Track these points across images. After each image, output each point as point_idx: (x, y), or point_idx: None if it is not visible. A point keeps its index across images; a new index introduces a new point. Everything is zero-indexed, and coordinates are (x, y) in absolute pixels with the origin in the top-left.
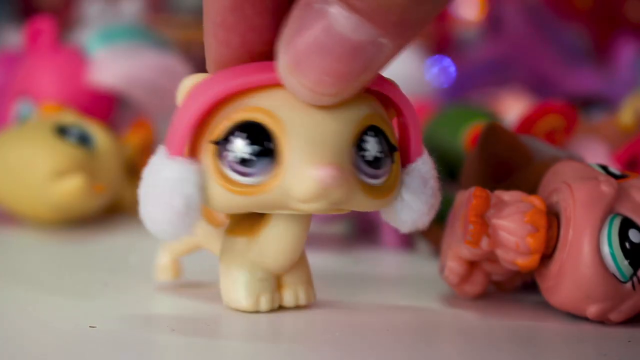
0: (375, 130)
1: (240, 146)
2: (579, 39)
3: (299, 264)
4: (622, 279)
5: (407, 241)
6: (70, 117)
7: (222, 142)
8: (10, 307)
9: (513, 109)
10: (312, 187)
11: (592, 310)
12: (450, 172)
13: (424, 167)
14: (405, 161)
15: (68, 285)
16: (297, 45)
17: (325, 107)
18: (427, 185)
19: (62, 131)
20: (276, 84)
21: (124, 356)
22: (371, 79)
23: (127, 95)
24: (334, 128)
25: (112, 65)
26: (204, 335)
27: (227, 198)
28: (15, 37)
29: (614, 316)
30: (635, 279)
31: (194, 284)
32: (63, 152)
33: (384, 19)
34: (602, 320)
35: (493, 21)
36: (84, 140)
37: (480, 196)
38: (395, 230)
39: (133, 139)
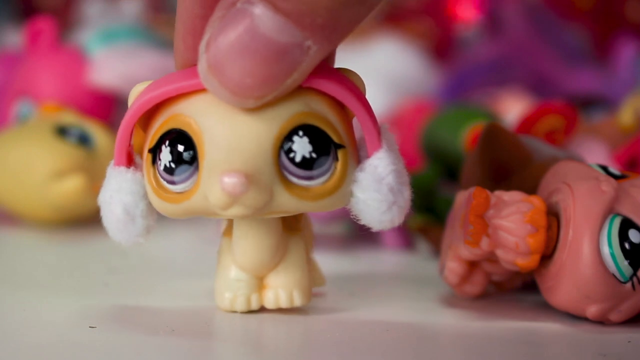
0: (306, 129)
1: (165, 154)
2: (579, 39)
3: (287, 266)
4: (622, 279)
5: (407, 241)
6: (70, 117)
7: (155, 150)
8: (10, 307)
9: (513, 109)
10: (221, 195)
11: (592, 310)
12: (450, 172)
13: (379, 162)
14: (360, 158)
15: (68, 285)
16: (218, 45)
17: (248, 110)
18: (382, 182)
19: (62, 131)
20: (202, 90)
21: (123, 357)
22: (298, 82)
23: (127, 95)
24: (252, 132)
25: (112, 65)
26: (204, 335)
27: (162, 205)
28: (15, 37)
29: (613, 316)
30: (635, 279)
31: (194, 284)
32: (63, 152)
33: (310, 21)
34: (601, 321)
35: (493, 21)
36: (84, 140)
37: (480, 196)
38: (396, 230)
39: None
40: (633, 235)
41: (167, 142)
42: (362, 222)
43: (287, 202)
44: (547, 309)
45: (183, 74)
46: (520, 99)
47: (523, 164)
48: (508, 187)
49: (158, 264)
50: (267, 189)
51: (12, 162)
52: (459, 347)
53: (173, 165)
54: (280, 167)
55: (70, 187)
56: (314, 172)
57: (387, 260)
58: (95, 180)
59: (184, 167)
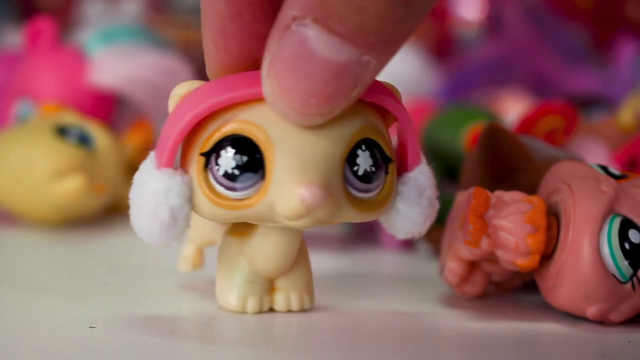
0: (367, 144)
1: (227, 160)
2: (579, 39)
3: (297, 269)
4: (621, 280)
5: (407, 242)
6: (70, 117)
7: (211, 155)
8: (10, 308)
9: (513, 109)
10: (297, 206)
11: (591, 310)
12: (450, 172)
13: (421, 176)
14: (403, 170)
15: (68, 285)
16: (279, 69)
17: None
18: (423, 195)
19: (62, 131)
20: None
21: (123, 357)
22: (359, 95)
23: (127, 95)
24: (323, 146)
25: (112, 65)
26: (204, 336)
27: (214, 210)
28: (15, 37)
29: (613, 316)
30: (635, 279)
31: (193, 284)
32: (63, 152)
33: (364, 40)
34: (601, 321)
35: (493, 21)
36: (84, 140)
37: (480, 196)
38: None
39: (133, 139)
40: (633, 235)
41: (228, 148)
42: (391, 232)
43: (347, 215)
44: (547, 309)
45: (244, 79)
46: (520, 99)
47: (523, 164)
48: (508, 187)
49: (158, 264)
50: (337, 203)
51: (12, 162)
52: (459, 347)
53: (237, 172)
54: (344, 180)
55: (70, 187)
56: (371, 186)
57: (387, 260)
58: (95, 181)
59: (249, 174)
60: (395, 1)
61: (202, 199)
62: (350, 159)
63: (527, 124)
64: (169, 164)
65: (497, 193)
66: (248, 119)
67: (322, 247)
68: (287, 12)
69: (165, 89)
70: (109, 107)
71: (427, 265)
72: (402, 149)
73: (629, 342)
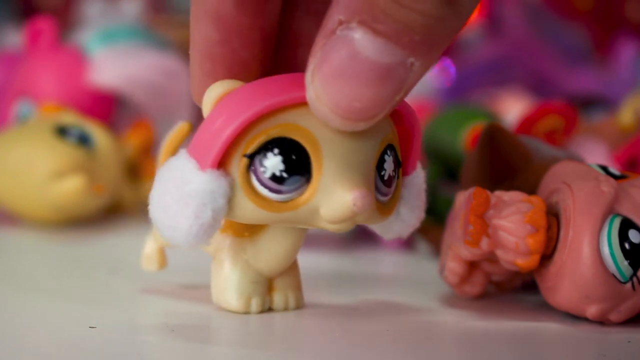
0: (391, 149)
1: (274, 162)
2: (579, 39)
3: (291, 268)
4: (621, 280)
5: (407, 241)
6: (70, 117)
7: (255, 156)
8: (11, 308)
9: (513, 109)
10: (347, 210)
11: (591, 310)
12: (450, 172)
13: (419, 179)
14: (404, 173)
15: (68, 285)
16: (324, 74)
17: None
18: (419, 198)
19: (62, 131)
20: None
21: (123, 356)
22: (403, 98)
23: (127, 95)
24: (365, 151)
25: (112, 65)
26: (203, 336)
27: (254, 212)
28: (15, 37)
29: (613, 316)
30: (635, 279)
31: (191, 283)
32: (63, 152)
33: (409, 39)
34: (601, 321)
35: (493, 22)
36: (84, 140)
37: (480, 196)
38: None
39: (133, 139)
40: (633, 235)
41: (276, 150)
42: (381, 233)
43: (373, 218)
44: (547, 309)
45: (289, 82)
46: (520, 99)
47: (523, 164)
48: (508, 188)
49: None
50: (375, 206)
51: (12, 162)
52: (459, 347)
53: (285, 175)
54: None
55: (70, 187)
56: (390, 189)
57: (387, 260)
58: (95, 181)
59: (296, 177)
60: (441, 0)
61: (244, 201)
62: (379, 164)
63: (527, 124)
64: (214, 166)
65: (497, 193)
66: (295, 122)
67: (322, 247)
68: (333, 17)
69: (165, 89)
70: (108, 107)
71: (426, 265)
72: (405, 153)
73: (629, 342)
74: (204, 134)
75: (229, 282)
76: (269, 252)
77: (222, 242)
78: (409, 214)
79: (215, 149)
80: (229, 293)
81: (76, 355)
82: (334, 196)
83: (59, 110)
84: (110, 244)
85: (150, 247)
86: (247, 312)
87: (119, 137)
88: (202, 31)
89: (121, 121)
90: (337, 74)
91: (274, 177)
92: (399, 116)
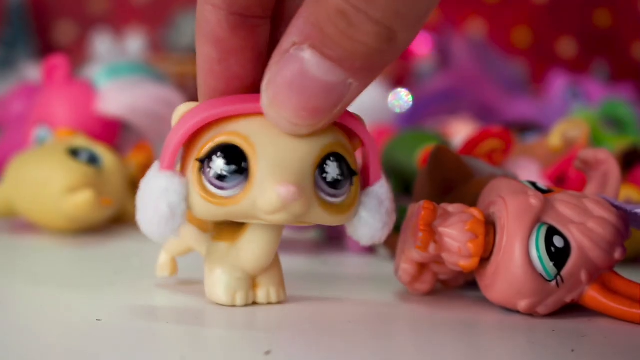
0: (336, 157)
1: (218, 164)
2: (517, 73)
3: (273, 266)
4: (548, 278)
5: (368, 247)
6: (81, 141)
7: (205, 160)
8: (30, 302)
9: (460, 133)
10: (274, 201)
11: (522, 304)
12: (406, 187)
13: (380, 190)
14: (365, 184)
15: (79, 284)
16: (277, 85)
17: (295, 136)
18: (382, 205)
19: (74, 153)
20: (253, 113)
21: (125, 345)
22: (341, 113)
23: (130, 121)
24: (299, 153)
25: (117, 96)
26: (192, 327)
27: (206, 207)
28: (34, 72)
29: (540, 309)
30: (559, 278)
31: (186, 282)
32: (75, 170)
33: (350, 64)
34: (531, 313)
35: (443, 57)
36: (93, 160)
37: (429, 208)
38: None
39: (135, 159)
40: (557, 240)
41: (219, 154)
42: (355, 237)
43: (317, 215)
44: (486, 303)
45: (234, 99)
46: (467, 124)
47: (465, 180)
48: (452, 200)
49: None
50: (309, 201)
51: (32, 178)
52: (411, 336)
53: (226, 174)
54: (315, 185)
55: (81, 200)
56: (338, 192)
57: (351, 262)
58: (102, 195)
59: (236, 176)
60: (381, 36)
61: (197, 197)
62: (321, 167)
63: (470, 146)
64: (170, 167)
65: (443, 205)
66: (237, 130)
67: (297, 251)
68: (288, 39)
69: (163, 117)
70: (114, 132)
71: (384, 266)
72: (365, 167)
73: (553, 331)
74: (165, 142)
75: (217, 280)
76: (250, 252)
77: (211, 247)
78: (372, 218)
79: (169, 152)
80: (217, 289)
81: (84, 344)
82: (265, 190)
83: (71, 135)
84: (115, 248)
85: (163, 257)
86: (233, 305)
87: (123, 158)
88: (204, 52)
89: (125, 144)
90: (287, 86)
91: (218, 177)
92: (355, 135)
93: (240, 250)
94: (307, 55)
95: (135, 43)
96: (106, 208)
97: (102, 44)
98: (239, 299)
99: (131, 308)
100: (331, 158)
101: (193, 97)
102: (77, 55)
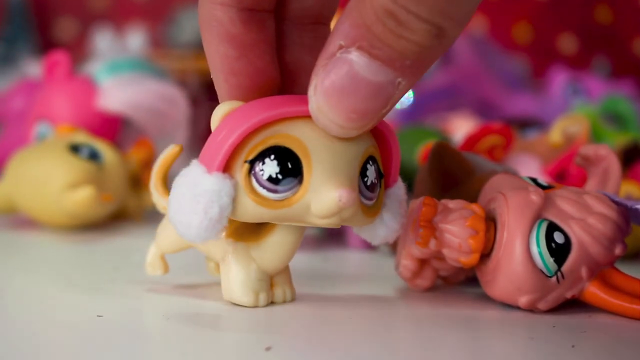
0: (372, 160)
1: (270, 166)
2: (518, 69)
3: (287, 266)
4: (548, 274)
5: (369, 243)
6: (82, 137)
7: (255, 162)
8: (30, 298)
9: (461, 129)
10: (333, 206)
11: (523, 300)
12: (407, 183)
13: (399, 191)
14: (386, 185)
15: (79, 280)
16: (326, 89)
17: (342, 139)
18: (401, 207)
19: (75, 149)
20: (303, 116)
21: (125, 340)
22: (389, 112)
23: (131, 118)
24: (349, 157)
25: (118, 92)
26: (191, 323)
27: (255, 210)
28: (35, 69)
29: (541, 305)
30: (559, 274)
31: (185, 280)
32: (76, 167)
33: (400, 63)
34: (531, 309)
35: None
36: (93, 156)
37: (429, 204)
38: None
39: (136, 155)
40: (557, 236)
41: (272, 156)
42: (368, 238)
43: (359, 217)
44: (486, 299)
45: (283, 100)
46: (468, 120)
47: (466, 177)
48: (453, 196)
49: None
50: (358, 205)
51: (32, 175)
52: (412, 331)
53: (280, 177)
54: (359, 189)
55: (82, 196)
56: (373, 195)
57: (352, 258)
58: (103, 191)
59: (290, 179)
60: (431, 32)
61: (246, 200)
62: (363, 171)
63: (471, 142)
64: (220, 169)
65: (444, 201)
66: (288, 132)
67: (299, 248)
68: (334, 42)
69: (164, 112)
70: (115, 128)
71: (385, 262)
72: (387, 168)
73: (553, 326)
74: (211, 144)
75: (238, 282)
76: (273, 252)
77: (228, 247)
78: (392, 220)
79: (220, 155)
80: (239, 291)
81: (85, 340)
82: (322, 194)
83: (72, 131)
84: (116, 244)
85: (153, 254)
86: (256, 306)
87: (124, 154)
88: (219, 52)
89: (126, 140)
90: (337, 90)
91: (270, 179)
92: (382, 136)
93: (266, 251)
94: (355, 57)
95: (135, 39)
96: (107, 204)
97: (102, 40)
98: (262, 300)
99: (132, 304)
100: (370, 162)
101: (194, 94)
102: (78, 51)
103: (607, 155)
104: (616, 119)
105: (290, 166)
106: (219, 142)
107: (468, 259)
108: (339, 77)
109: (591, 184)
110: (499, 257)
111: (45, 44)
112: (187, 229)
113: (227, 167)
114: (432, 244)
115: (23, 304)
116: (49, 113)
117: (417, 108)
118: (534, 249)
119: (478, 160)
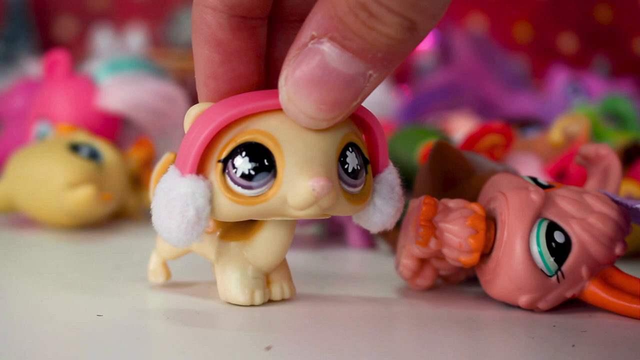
0: (352, 146)
1: (243, 163)
2: (519, 68)
3: (282, 262)
4: (548, 274)
5: (369, 242)
6: (81, 136)
7: (227, 161)
8: (31, 297)
9: (461, 128)
10: (307, 195)
11: (523, 300)
12: (407, 182)
13: (390, 175)
14: (375, 172)
15: (79, 279)
16: (296, 79)
17: (315, 129)
18: (394, 191)
19: (74, 148)
20: (272, 109)
21: (125, 340)
22: (359, 104)
23: (131, 117)
24: (323, 146)
25: (118, 91)
26: (192, 322)
27: (232, 208)
28: (35, 68)
29: (541, 305)
30: (559, 273)
31: (185, 279)
32: (76, 166)
33: (372, 55)
34: (531, 308)
35: (445, 53)
36: (93, 155)
37: (429, 203)
38: (360, 233)
39: (136, 154)
40: (558, 236)
41: (243, 153)
42: (366, 226)
43: (342, 205)
44: (486, 299)
45: (249, 97)
46: (468, 120)
47: (466, 176)
48: (453, 196)
49: None
50: (337, 193)
51: (32, 174)
52: (412, 331)
53: (253, 172)
54: (338, 176)
55: (82, 196)
56: (357, 181)
57: (352, 257)
58: (103, 190)
59: (263, 174)
60: (403, 25)
61: (222, 199)
62: (342, 158)
63: (471, 141)
64: (193, 171)
65: (444, 200)
66: (258, 127)
67: (297, 247)
68: (306, 32)
69: (163, 112)
70: (115, 127)
71: (385, 262)
72: (374, 154)
73: (554, 326)
74: (183, 147)
75: (233, 281)
76: (266, 249)
77: (221, 247)
78: (385, 205)
79: (191, 156)
80: (234, 290)
81: (85, 340)
82: (296, 185)
83: (72, 130)
84: (116, 244)
85: (154, 262)
86: (252, 304)
87: (124, 153)
88: (204, 55)
89: (125, 139)
90: (307, 80)
91: (243, 176)
92: (365, 124)
93: (258, 248)
94: (327, 48)
95: (135, 38)
96: (107, 203)
97: (102, 39)
98: (258, 298)
99: (132, 304)
100: (350, 148)
101: (193, 92)
102: (78, 50)
103: (607, 154)
104: (616, 118)
105: (262, 161)
106: (190, 144)
107: (468, 259)
108: (310, 68)
109: (591, 183)
110: (499, 257)
111: (45, 43)
112: (168, 233)
113: (201, 168)
114: (432, 243)
115: (23, 303)
116: (48, 112)
117: (417, 107)
118: (534, 248)
119: (478, 159)
